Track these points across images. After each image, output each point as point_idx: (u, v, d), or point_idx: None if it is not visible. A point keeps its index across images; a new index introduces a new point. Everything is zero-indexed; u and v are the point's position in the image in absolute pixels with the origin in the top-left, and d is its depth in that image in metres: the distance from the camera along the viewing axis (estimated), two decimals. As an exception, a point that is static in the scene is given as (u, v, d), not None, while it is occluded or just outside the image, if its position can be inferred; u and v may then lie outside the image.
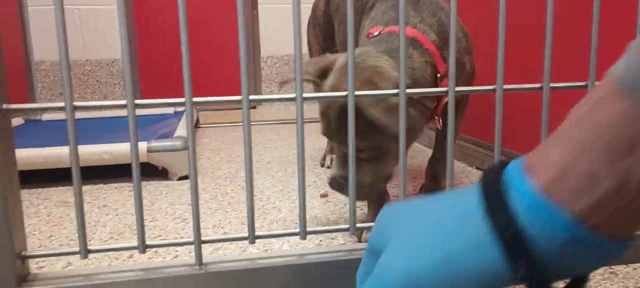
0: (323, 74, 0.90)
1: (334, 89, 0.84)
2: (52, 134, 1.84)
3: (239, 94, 0.53)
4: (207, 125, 2.53)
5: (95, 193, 1.34)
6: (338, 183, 0.87)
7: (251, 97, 0.52)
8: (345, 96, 0.54)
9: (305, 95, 0.53)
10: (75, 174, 0.49)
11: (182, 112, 2.29)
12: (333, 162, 1.57)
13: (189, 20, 0.49)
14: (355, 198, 0.59)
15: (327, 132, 0.89)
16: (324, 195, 1.26)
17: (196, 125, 2.45)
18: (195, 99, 0.56)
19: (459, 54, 0.99)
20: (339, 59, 0.88)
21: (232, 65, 2.80)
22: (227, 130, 2.39)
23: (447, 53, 0.80)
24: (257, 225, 1.08)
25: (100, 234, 1.04)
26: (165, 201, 1.26)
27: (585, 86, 0.63)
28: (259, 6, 2.75)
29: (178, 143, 1.47)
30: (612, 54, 0.31)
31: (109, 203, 1.25)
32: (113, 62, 2.66)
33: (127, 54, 0.48)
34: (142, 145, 1.44)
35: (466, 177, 1.43)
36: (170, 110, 2.35)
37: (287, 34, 2.77)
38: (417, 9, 0.96)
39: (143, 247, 0.53)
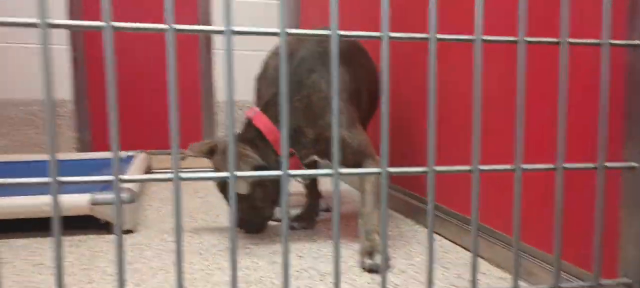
0: (210, 152, 1.38)
1: (217, 163, 1.35)
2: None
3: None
4: (161, 171, 2.48)
5: (32, 249, 1.29)
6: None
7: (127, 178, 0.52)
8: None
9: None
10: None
11: (131, 157, 2.24)
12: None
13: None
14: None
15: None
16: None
17: (148, 171, 2.39)
18: (122, 177, 0.56)
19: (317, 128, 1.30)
20: (221, 144, 1.36)
21: (186, 110, 2.79)
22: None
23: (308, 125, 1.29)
24: (199, 287, 1.05)
25: (31, 298, 0.99)
26: (105, 259, 1.22)
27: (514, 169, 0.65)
28: (215, 51, 2.76)
29: (124, 195, 1.44)
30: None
31: (46, 261, 1.20)
32: (62, 102, 2.60)
33: (53, 131, 0.47)
34: (85, 197, 1.40)
35: (413, 235, 1.45)
36: (122, 155, 2.29)
37: (242, 80, 2.78)
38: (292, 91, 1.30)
39: (63, 337, 0.51)
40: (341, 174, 0.60)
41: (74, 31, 2.55)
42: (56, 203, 0.49)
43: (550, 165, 0.73)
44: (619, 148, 0.87)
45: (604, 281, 0.79)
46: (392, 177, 1.76)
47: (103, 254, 1.25)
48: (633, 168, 0.81)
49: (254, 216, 1.40)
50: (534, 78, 1.08)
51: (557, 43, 0.71)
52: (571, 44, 0.72)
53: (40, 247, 1.30)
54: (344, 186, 2.16)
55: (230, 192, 0.55)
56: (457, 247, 1.35)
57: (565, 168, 0.73)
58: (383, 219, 0.61)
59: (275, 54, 1.43)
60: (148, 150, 2.60)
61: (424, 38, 0.64)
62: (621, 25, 0.85)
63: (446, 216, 1.42)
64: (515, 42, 0.68)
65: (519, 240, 0.71)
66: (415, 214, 1.59)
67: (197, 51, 2.76)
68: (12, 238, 1.37)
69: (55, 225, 0.48)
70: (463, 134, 1.36)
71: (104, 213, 1.41)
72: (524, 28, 0.67)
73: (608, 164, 0.77)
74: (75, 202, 1.39)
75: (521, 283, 1.09)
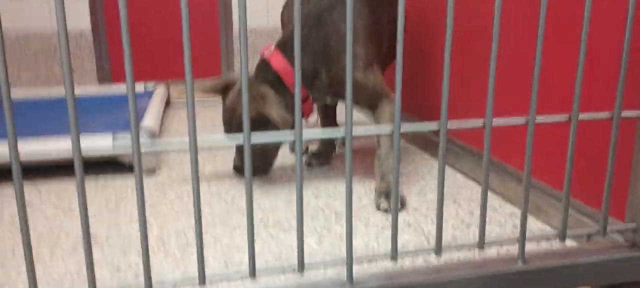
0: (224, 89, 1.36)
1: (233, 103, 1.31)
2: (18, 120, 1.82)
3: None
4: (182, 100, 2.50)
5: (61, 193, 1.34)
6: (236, 168, 1.42)
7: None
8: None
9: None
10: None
11: (151, 92, 2.27)
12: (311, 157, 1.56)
13: None
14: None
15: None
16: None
17: (168, 104, 2.43)
18: (141, 136, 0.58)
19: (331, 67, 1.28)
20: (237, 83, 1.35)
21: (205, 41, 2.77)
22: (202, 107, 2.38)
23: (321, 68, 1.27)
24: (218, 230, 1.10)
25: (63, 244, 1.05)
26: (131, 202, 1.27)
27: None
28: (231, -22, 2.70)
29: (144, 139, 1.47)
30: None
31: (74, 205, 1.26)
32: (80, 34, 2.61)
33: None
34: (108, 139, 1.44)
35: (428, 171, 1.46)
36: (141, 88, 2.32)
37: (261, 6, 2.73)
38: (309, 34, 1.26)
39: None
40: (354, 136, 0.61)
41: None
42: (78, 154, 0.52)
43: (565, 116, 0.73)
44: (634, 97, 0.86)
45: (611, 225, 0.80)
46: (408, 109, 1.76)
47: (129, 197, 1.31)
48: (646, 117, 0.80)
49: (259, 160, 1.39)
50: (552, 28, 1.05)
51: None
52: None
53: (69, 191, 1.36)
54: (359, 118, 2.17)
55: (245, 146, 0.57)
56: (471, 182, 1.37)
57: (580, 118, 0.72)
58: (396, 174, 0.62)
59: None
60: (168, 80, 2.62)
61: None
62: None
63: (461, 151, 1.43)
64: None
65: (529, 181, 0.72)
66: (431, 147, 1.60)
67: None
68: (41, 182, 1.43)
69: (78, 175, 0.51)
70: (480, 75, 1.34)
71: (126, 155, 1.45)
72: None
73: (624, 114, 0.76)
74: (98, 144, 1.44)
75: (530, 220, 1.11)
